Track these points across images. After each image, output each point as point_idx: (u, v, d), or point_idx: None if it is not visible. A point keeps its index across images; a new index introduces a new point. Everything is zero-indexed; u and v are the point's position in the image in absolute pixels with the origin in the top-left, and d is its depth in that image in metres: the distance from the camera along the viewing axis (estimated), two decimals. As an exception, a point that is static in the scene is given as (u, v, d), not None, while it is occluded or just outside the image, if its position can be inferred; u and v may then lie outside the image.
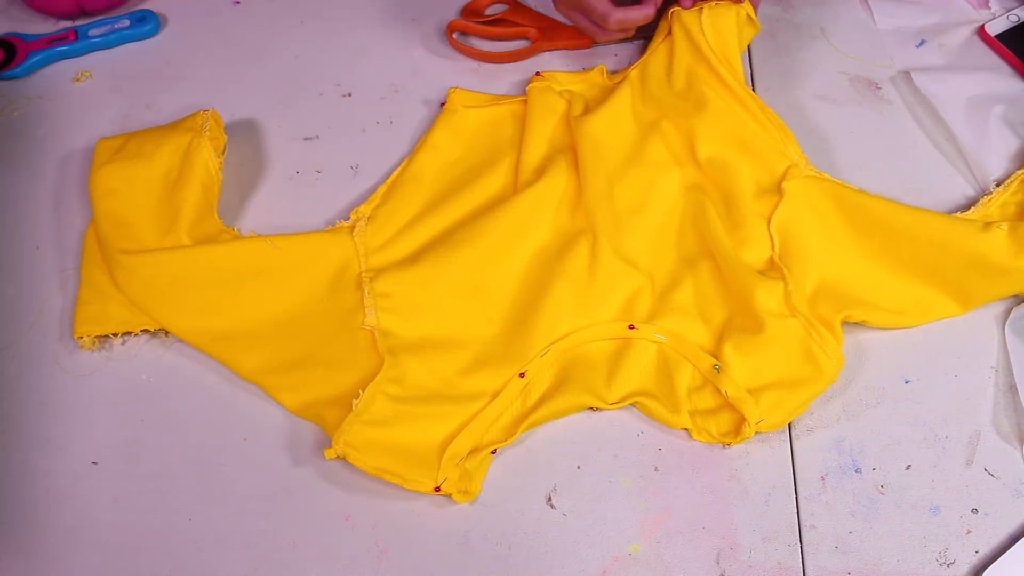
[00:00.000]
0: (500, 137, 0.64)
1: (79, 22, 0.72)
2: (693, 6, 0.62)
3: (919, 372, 0.54)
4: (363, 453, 0.50)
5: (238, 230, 0.60)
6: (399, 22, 0.72)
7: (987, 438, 0.52)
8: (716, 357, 0.53)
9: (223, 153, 0.64)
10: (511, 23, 0.70)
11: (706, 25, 0.61)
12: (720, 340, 0.53)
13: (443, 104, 0.65)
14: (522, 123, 0.63)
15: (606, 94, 0.64)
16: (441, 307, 0.55)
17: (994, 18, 0.68)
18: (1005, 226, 0.54)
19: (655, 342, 0.54)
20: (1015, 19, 0.67)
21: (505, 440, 0.51)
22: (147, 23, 0.71)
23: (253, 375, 0.55)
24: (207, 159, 0.60)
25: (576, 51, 0.69)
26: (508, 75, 0.68)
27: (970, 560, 0.48)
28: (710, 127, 0.60)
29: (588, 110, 0.63)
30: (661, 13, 0.65)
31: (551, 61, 0.69)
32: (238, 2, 0.74)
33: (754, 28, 0.64)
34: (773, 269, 0.55)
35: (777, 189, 0.58)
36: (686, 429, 0.52)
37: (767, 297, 0.53)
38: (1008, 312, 0.55)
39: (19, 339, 0.58)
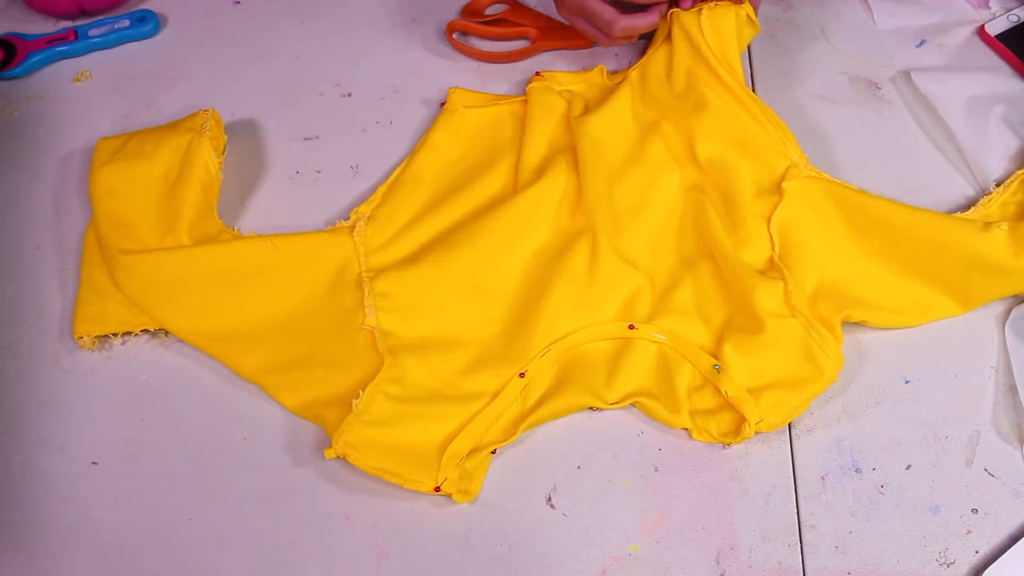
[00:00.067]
0: (500, 137, 0.64)
1: (79, 22, 0.72)
2: (693, 7, 0.62)
3: (919, 372, 0.54)
4: (363, 453, 0.50)
5: (238, 230, 0.60)
6: (399, 22, 0.72)
7: (987, 438, 0.52)
8: (716, 357, 0.53)
9: (223, 153, 0.64)
10: (511, 23, 0.70)
11: (705, 26, 0.61)
12: (720, 340, 0.53)
13: (443, 104, 0.65)
14: (522, 123, 0.63)
15: (606, 94, 0.64)
16: (441, 307, 0.55)
17: (994, 18, 0.68)
18: (1005, 226, 0.54)
19: (655, 342, 0.54)
20: (1015, 19, 0.67)
21: (505, 440, 0.51)
22: (147, 23, 0.71)
23: (253, 375, 0.55)
24: (207, 159, 0.60)
25: (576, 51, 0.69)
26: (508, 75, 0.68)
27: (970, 560, 0.48)
28: (710, 127, 0.60)
29: (588, 110, 0.63)
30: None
31: (551, 61, 0.69)
32: (238, 2, 0.74)
33: (754, 28, 0.64)
34: (773, 269, 0.55)
35: (777, 189, 0.58)
36: (686, 429, 0.52)
37: (767, 297, 0.53)
38: (1008, 312, 0.55)
39: (19, 339, 0.58)
